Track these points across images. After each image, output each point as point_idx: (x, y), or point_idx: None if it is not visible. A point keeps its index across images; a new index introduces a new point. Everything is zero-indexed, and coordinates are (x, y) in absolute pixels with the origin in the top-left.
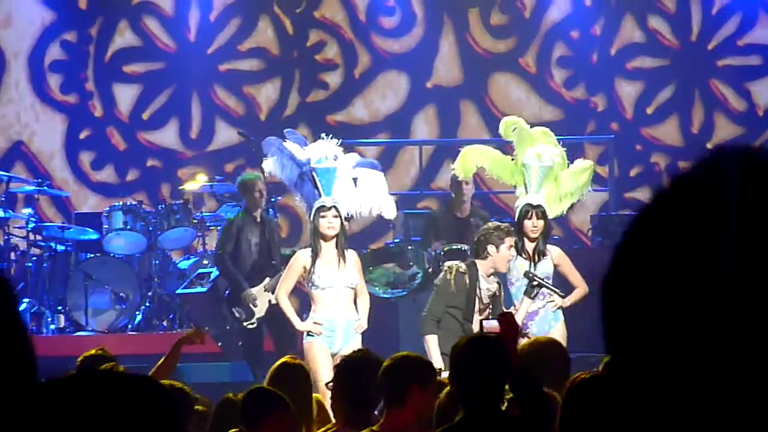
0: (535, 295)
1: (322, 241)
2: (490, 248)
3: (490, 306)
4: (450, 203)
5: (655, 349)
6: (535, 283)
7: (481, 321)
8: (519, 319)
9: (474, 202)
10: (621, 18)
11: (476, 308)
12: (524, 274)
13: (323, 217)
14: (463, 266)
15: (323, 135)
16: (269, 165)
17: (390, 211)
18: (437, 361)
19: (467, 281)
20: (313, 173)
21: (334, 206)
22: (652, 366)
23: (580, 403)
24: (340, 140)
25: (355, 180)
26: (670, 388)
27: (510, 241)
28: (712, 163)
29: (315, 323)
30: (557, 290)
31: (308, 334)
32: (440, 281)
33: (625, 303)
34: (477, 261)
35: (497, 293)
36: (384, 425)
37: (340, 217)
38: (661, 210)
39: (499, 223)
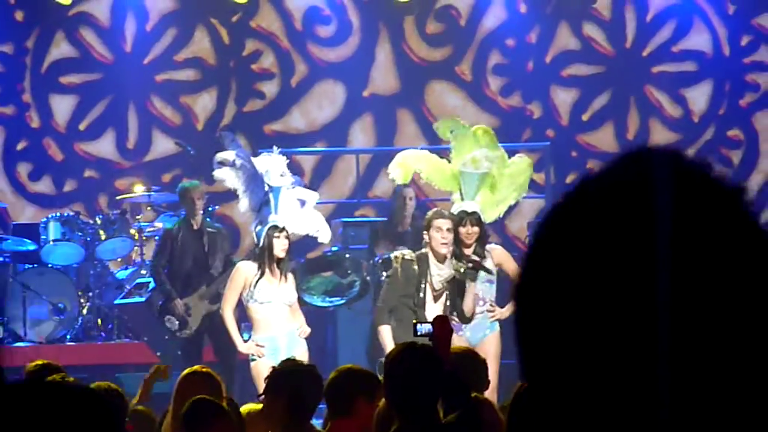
0: (474, 278)
1: (270, 260)
2: (425, 234)
3: (447, 292)
4: (392, 215)
5: (572, 367)
6: (469, 265)
7: (414, 324)
8: (468, 305)
9: (414, 212)
10: (556, 25)
11: (428, 296)
12: (455, 256)
13: (276, 237)
14: (410, 254)
15: (275, 148)
16: (233, 177)
17: (325, 236)
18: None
19: (415, 268)
20: (270, 191)
21: (285, 227)
22: (570, 387)
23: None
24: (279, 150)
25: (301, 201)
26: (588, 410)
27: (440, 223)
28: (634, 163)
29: (258, 345)
30: (487, 268)
31: (252, 358)
32: (390, 271)
33: (537, 315)
34: (426, 249)
35: (457, 277)
36: None
37: (289, 238)
38: (579, 211)
39: (435, 209)
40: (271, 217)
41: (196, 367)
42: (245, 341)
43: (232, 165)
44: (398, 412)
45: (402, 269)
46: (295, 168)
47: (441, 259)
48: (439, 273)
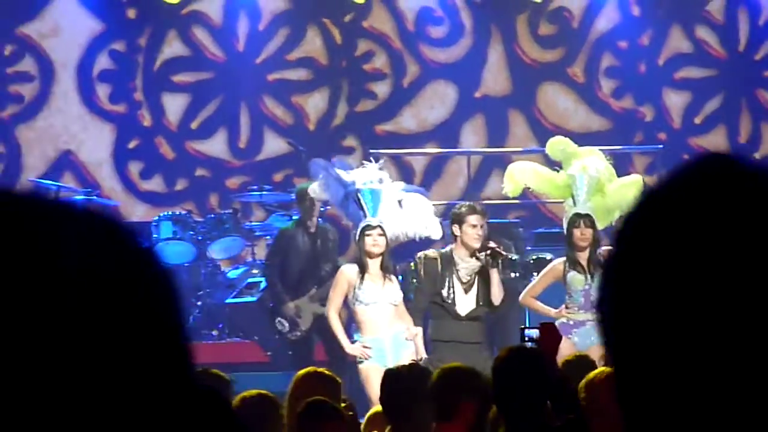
0: (496, 265)
1: (368, 259)
2: (455, 228)
3: (474, 282)
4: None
5: (661, 347)
6: (488, 252)
7: (521, 329)
8: (495, 293)
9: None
10: (668, 28)
11: (458, 289)
12: (484, 249)
13: (368, 235)
14: (432, 253)
15: (371, 159)
16: (315, 186)
17: (436, 232)
18: (421, 351)
19: (439, 266)
20: (359, 194)
21: (380, 225)
22: (659, 366)
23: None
24: (389, 150)
25: (400, 202)
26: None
27: (474, 219)
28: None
29: (364, 347)
30: (505, 255)
31: (358, 360)
32: (414, 273)
33: (629, 291)
34: (452, 244)
35: (486, 268)
36: None
37: (385, 235)
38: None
39: (468, 204)
40: (366, 219)
41: (311, 368)
42: (352, 343)
43: (320, 180)
44: (506, 418)
45: (425, 269)
46: (405, 168)
47: (471, 253)
48: (466, 266)
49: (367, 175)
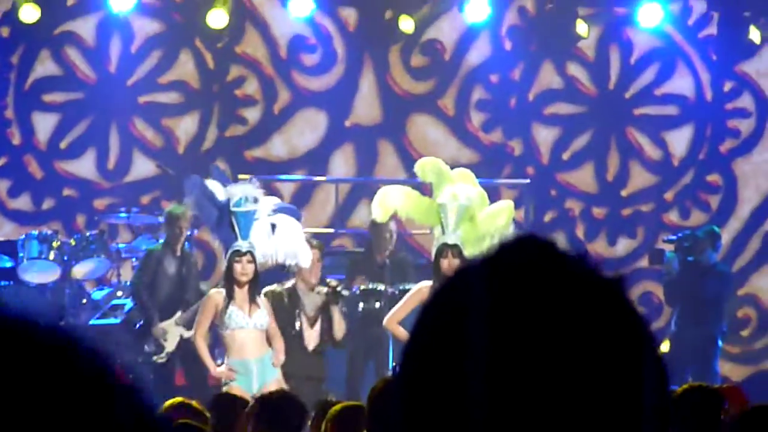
0: (335, 300)
1: (235, 285)
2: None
3: (320, 317)
4: (370, 247)
5: None
6: (329, 290)
7: (394, 366)
8: (336, 329)
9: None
10: (540, 63)
11: (305, 324)
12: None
13: (237, 262)
14: (277, 287)
15: (245, 175)
16: (188, 204)
17: (305, 260)
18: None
19: (285, 299)
20: (232, 216)
21: (250, 251)
22: None
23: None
24: (256, 177)
25: (273, 226)
26: None
27: (312, 254)
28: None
29: (230, 369)
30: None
31: (224, 382)
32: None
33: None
34: (293, 279)
35: (330, 304)
36: None
37: (254, 262)
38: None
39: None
40: (236, 243)
41: (180, 399)
42: (218, 366)
43: (193, 198)
44: None
45: (273, 304)
46: (274, 194)
47: (311, 287)
48: (310, 301)
49: (243, 192)
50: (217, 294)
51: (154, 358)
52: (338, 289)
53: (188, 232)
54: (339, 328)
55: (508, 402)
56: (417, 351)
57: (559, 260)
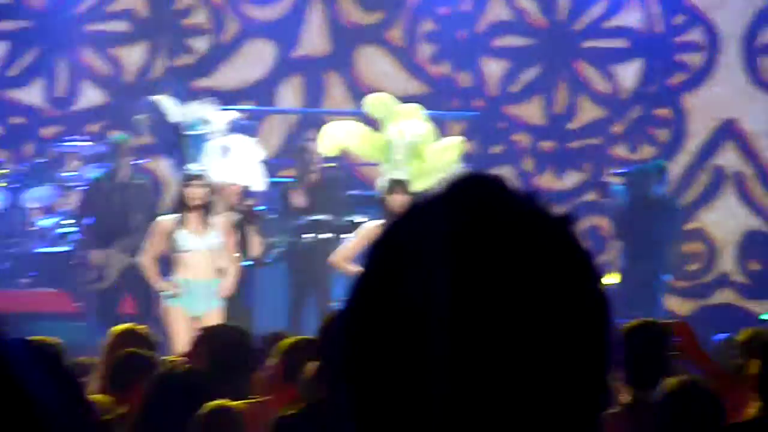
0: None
1: (185, 210)
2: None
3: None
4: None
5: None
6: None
7: None
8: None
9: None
10: None
11: None
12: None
13: (188, 186)
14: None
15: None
16: (140, 124)
17: (258, 183)
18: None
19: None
20: (183, 138)
21: (201, 175)
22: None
23: None
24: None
25: (225, 148)
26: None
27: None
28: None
29: (174, 285)
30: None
31: (167, 297)
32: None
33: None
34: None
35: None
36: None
37: (207, 186)
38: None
39: None
40: (187, 167)
41: (129, 325)
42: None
43: (147, 120)
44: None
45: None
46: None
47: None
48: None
49: (196, 114)
50: (165, 219)
51: (95, 285)
52: (254, 209)
53: (133, 161)
54: (254, 246)
55: (462, 338)
56: (369, 285)
57: (508, 199)
